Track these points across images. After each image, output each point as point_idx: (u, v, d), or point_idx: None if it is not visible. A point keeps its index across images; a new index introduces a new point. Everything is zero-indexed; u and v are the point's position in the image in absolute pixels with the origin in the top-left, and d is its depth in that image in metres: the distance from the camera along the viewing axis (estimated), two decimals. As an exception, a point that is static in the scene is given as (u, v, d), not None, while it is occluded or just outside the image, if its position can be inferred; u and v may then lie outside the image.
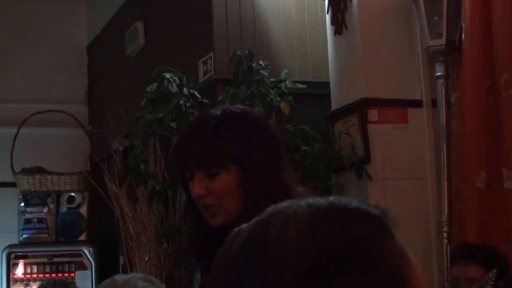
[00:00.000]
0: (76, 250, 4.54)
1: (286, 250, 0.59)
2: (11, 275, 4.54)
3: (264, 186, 1.57)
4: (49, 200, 4.69)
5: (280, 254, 0.59)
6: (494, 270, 2.02)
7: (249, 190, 1.56)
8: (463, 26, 2.78)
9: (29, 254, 4.58)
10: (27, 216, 4.68)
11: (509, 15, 2.60)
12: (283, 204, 0.64)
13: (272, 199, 1.60)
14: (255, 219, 0.65)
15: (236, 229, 0.66)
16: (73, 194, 4.69)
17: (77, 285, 4.03)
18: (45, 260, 4.56)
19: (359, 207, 0.62)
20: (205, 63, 3.42)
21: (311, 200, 0.63)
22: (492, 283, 1.98)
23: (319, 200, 0.63)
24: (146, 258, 3.49)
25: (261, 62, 3.12)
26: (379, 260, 0.59)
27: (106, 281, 1.82)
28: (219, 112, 1.63)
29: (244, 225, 0.65)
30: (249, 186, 1.57)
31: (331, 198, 0.63)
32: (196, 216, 1.64)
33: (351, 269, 0.58)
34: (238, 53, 3.12)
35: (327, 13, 3.08)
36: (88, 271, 4.48)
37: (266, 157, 1.60)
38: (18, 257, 4.57)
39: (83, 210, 4.68)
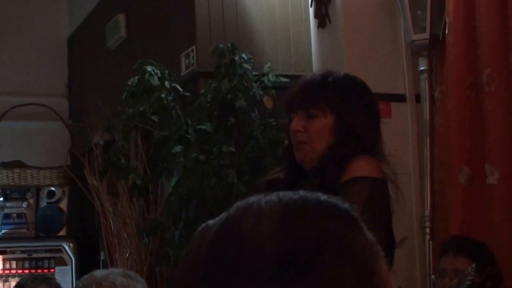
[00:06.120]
0: (56, 246, 4.49)
1: (261, 242, 0.59)
2: (-11, 271, 4.48)
3: (354, 137, 1.77)
4: (29, 194, 4.63)
5: (255, 246, 0.59)
6: (473, 265, 2.02)
7: (340, 136, 1.77)
8: (447, 20, 2.77)
9: (8, 249, 4.52)
10: (6, 211, 4.62)
11: (493, 10, 2.59)
12: (253, 198, 0.64)
13: (357, 150, 1.78)
14: (224, 214, 0.64)
15: (203, 225, 0.66)
16: (53, 188, 4.63)
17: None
18: (24, 255, 4.50)
19: (329, 200, 0.64)
20: (187, 56, 3.39)
21: (281, 193, 0.64)
22: (471, 277, 1.98)
23: (290, 194, 0.64)
24: (127, 254, 3.45)
25: (243, 55, 3.09)
26: (351, 252, 0.60)
27: (85, 276, 1.83)
28: (328, 72, 1.87)
29: (211, 221, 0.65)
30: (341, 134, 1.77)
31: (301, 192, 0.64)
32: (289, 155, 1.85)
33: (324, 261, 0.59)
34: (220, 46, 3.08)
35: (311, 6, 3.06)
36: (68, 267, 4.43)
37: (362, 114, 1.81)
38: (-3, 253, 4.51)
39: (63, 204, 4.62)
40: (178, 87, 3.17)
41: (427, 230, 2.78)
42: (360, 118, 1.81)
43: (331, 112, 1.79)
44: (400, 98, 2.93)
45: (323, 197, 0.64)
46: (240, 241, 0.60)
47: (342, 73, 1.89)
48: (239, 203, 0.65)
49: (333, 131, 1.79)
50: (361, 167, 1.75)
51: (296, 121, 1.81)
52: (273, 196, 0.63)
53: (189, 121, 3.05)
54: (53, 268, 4.45)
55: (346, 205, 0.64)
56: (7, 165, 4.63)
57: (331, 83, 1.83)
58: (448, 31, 2.77)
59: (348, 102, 1.81)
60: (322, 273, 0.59)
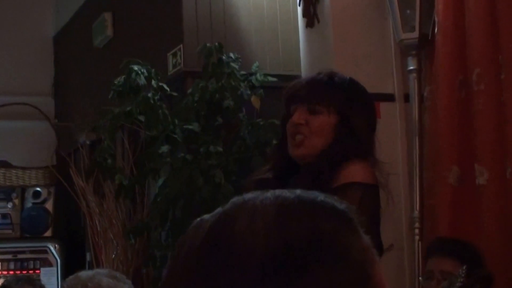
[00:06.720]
0: (41, 247, 4.45)
1: (253, 242, 0.58)
2: (-26, 272, 4.43)
3: (353, 140, 1.79)
4: (14, 195, 4.59)
5: (247, 245, 0.58)
6: (464, 267, 2.01)
7: (340, 137, 1.79)
8: (436, 19, 2.76)
9: (-8, 250, 4.48)
10: (-9, 211, 4.57)
11: (481, 9, 2.58)
12: (249, 195, 0.63)
13: (353, 152, 1.79)
14: (219, 209, 0.63)
15: (197, 219, 0.64)
16: (38, 189, 4.59)
17: (42, 283, 3.94)
18: (9, 256, 4.46)
19: (326, 200, 0.62)
20: (174, 55, 3.36)
21: (277, 192, 0.62)
22: (461, 279, 1.96)
23: (286, 193, 0.62)
24: (113, 255, 3.42)
25: (231, 55, 3.06)
26: (346, 254, 0.59)
27: (71, 277, 1.82)
28: (333, 73, 1.91)
29: (206, 216, 0.63)
30: (341, 134, 1.79)
31: (298, 191, 0.62)
32: (282, 150, 1.85)
33: (318, 263, 0.57)
34: (208, 45, 3.06)
35: (299, 5, 3.04)
36: (54, 268, 4.39)
37: (364, 119, 1.84)
38: (-19, 254, 4.46)
39: (49, 205, 4.59)
40: (165, 86, 3.14)
41: (416, 231, 2.76)
42: (362, 122, 1.84)
43: (335, 111, 1.81)
44: (389, 98, 2.91)
45: (320, 197, 0.62)
46: (232, 240, 0.59)
47: (347, 77, 1.93)
48: (235, 200, 0.63)
49: (334, 131, 1.81)
50: (355, 172, 1.75)
51: (299, 114, 1.82)
52: (269, 195, 0.62)
53: (176, 120, 3.02)
54: (38, 269, 4.41)
55: (343, 206, 0.62)
56: (-8, 165, 4.58)
57: (338, 83, 1.86)
58: (437, 30, 2.75)
59: (353, 105, 1.84)
60: (315, 275, 0.57)
